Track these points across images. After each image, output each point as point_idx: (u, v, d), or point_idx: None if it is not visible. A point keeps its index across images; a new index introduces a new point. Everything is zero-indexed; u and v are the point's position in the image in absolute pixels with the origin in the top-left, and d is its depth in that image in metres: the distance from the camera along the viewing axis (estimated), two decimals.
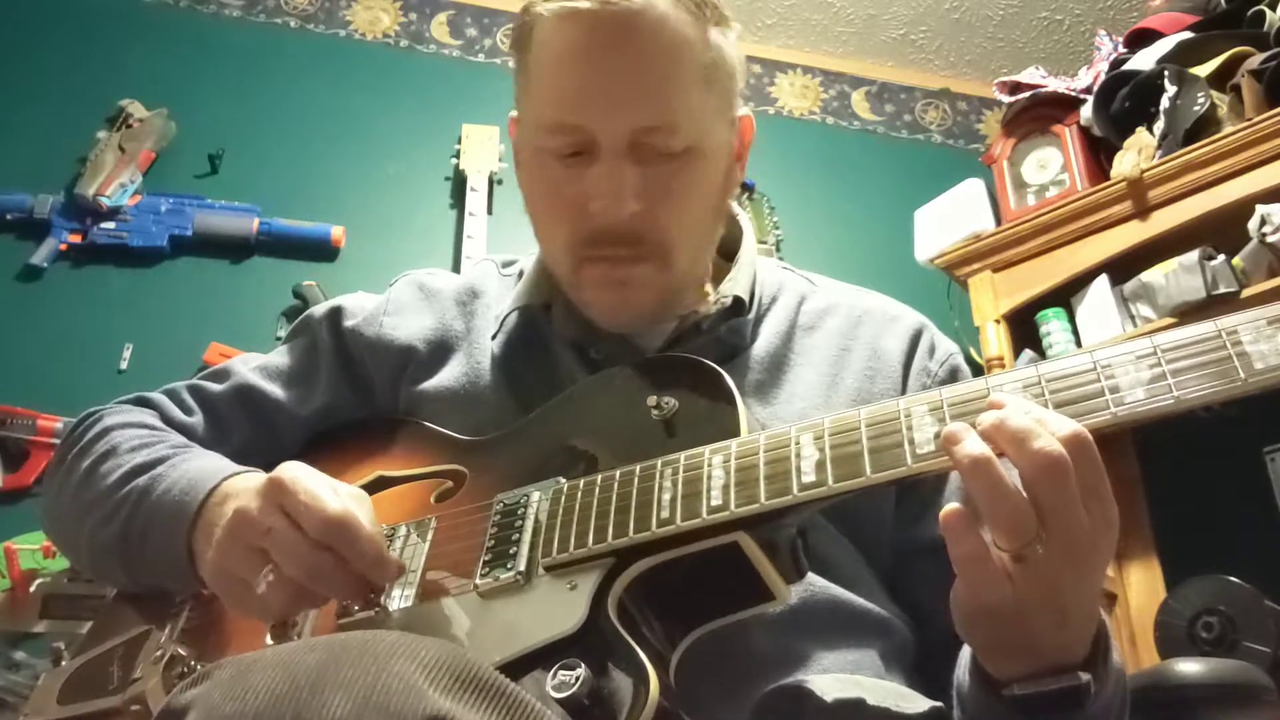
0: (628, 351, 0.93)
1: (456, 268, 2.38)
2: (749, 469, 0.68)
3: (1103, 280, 2.16)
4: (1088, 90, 2.29)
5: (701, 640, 0.72)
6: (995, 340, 2.21)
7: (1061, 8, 2.95)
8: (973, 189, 2.41)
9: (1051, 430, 0.59)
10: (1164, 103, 2.08)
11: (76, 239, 2.25)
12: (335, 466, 0.84)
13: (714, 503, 0.67)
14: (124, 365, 2.16)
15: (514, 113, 1.00)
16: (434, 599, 0.75)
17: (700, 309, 0.95)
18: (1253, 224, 1.93)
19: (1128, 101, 2.16)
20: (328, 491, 0.73)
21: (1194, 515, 2.20)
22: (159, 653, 0.83)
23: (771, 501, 0.66)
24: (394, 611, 0.75)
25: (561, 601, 0.68)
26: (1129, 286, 2.12)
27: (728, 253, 1.02)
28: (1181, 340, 0.59)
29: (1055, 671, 0.63)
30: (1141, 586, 2.17)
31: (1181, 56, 2.14)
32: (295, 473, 0.74)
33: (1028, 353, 2.20)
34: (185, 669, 0.80)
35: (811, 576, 0.79)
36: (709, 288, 0.98)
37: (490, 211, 2.50)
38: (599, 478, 0.74)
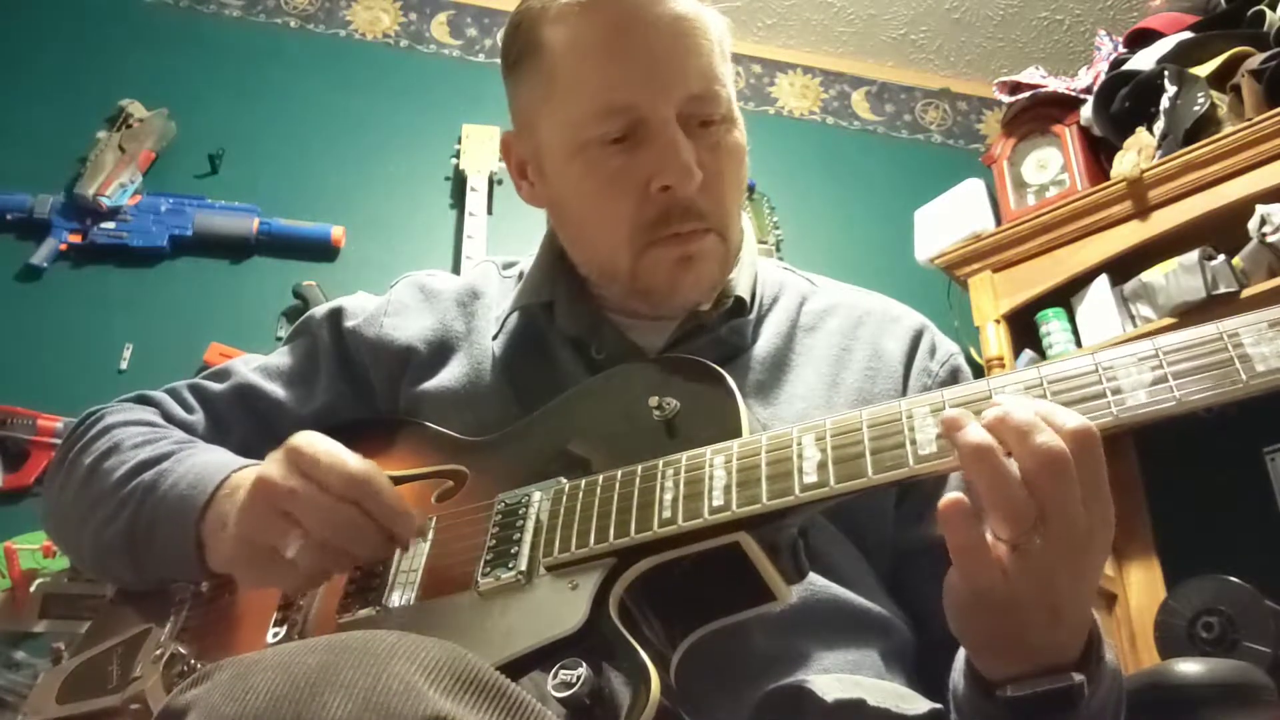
0: (629, 351, 0.93)
1: (456, 268, 2.38)
2: (751, 469, 0.68)
3: (1103, 280, 2.16)
4: (1088, 90, 2.30)
5: (702, 640, 0.72)
6: (995, 340, 2.22)
7: (1061, 8, 2.96)
8: (973, 189, 2.41)
9: (1058, 424, 0.59)
10: (1164, 103, 2.08)
11: (76, 239, 2.25)
12: None
13: (716, 503, 0.67)
14: (124, 365, 2.16)
15: (510, 130, 1.00)
16: (435, 598, 0.75)
17: (702, 308, 0.95)
18: (1253, 224, 1.93)
19: (1128, 101, 2.16)
20: (346, 451, 0.75)
21: (1194, 515, 2.21)
22: (158, 651, 0.83)
23: (773, 502, 0.66)
24: (394, 611, 0.75)
25: (563, 601, 0.68)
26: (1129, 286, 2.12)
27: None
28: (1183, 342, 0.59)
29: (1047, 672, 0.63)
30: (1141, 586, 2.17)
31: (1181, 56, 2.14)
32: (311, 438, 0.76)
33: (1028, 353, 2.20)
34: (185, 668, 0.80)
35: (812, 576, 0.79)
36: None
37: (490, 211, 2.50)
38: (600, 478, 0.74)
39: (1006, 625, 0.63)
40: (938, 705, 0.78)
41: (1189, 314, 1.96)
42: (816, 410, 0.89)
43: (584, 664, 0.61)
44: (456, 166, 2.54)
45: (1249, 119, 1.97)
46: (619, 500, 0.71)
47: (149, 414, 1.00)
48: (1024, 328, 2.24)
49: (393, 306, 1.04)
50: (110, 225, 2.27)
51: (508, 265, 1.10)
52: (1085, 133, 2.28)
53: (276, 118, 2.52)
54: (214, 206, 2.35)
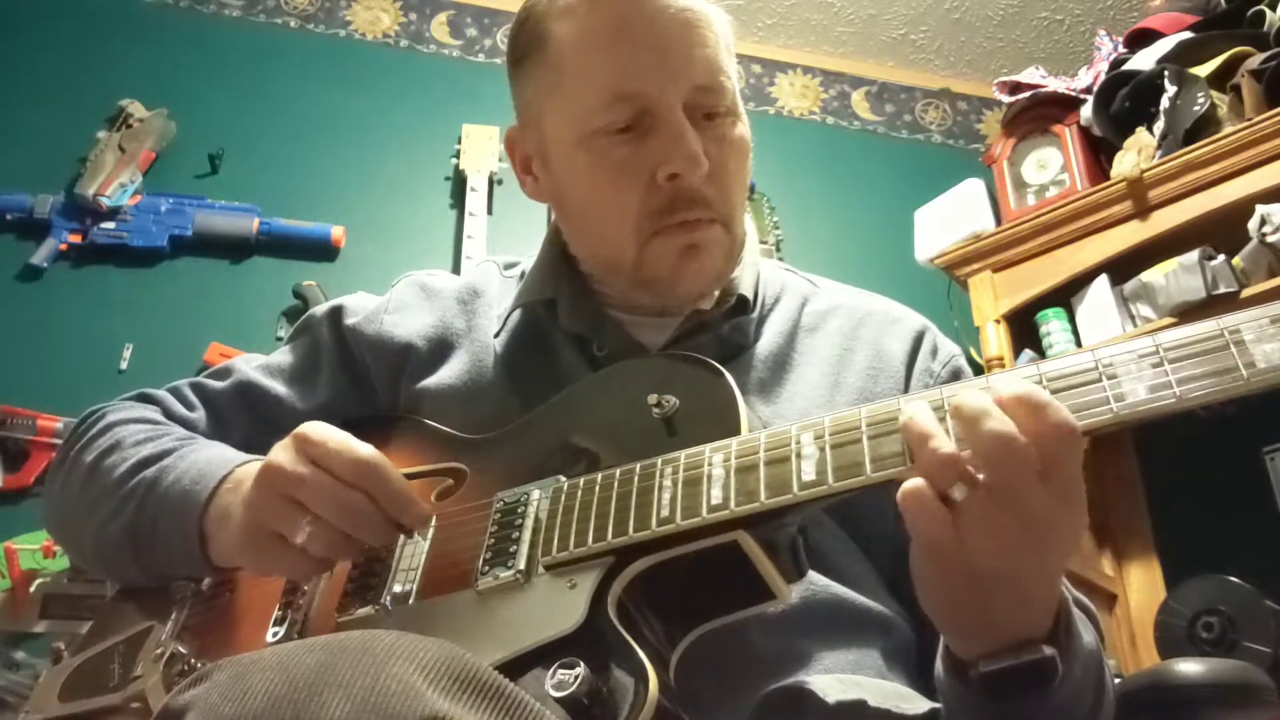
0: (631, 348, 0.94)
1: (456, 268, 2.39)
2: (749, 468, 0.68)
3: (1103, 280, 2.16)
4: (1088, 90, 2.29)
5: (702, 640, 0.72)
6: (995, 340, 2.22)
7: (1061, 8, 2.96)
8: (973, 189, 2.41)
9: (1041, 415, 0.58)
10: (1164, 103, 2.08)
11: (76, 239, 2.25)
12: None
13: (714, 501, 0.67)
14: (124, 365, 2.16)
15: (514, 126, 1.00)
16: (433, 597, 0.75)
17: (705, 306, 0.95)
18: (1253, 224, 1.93)
19: (1128, 101, 2.16)
20: (355, 440, 0.76)
21: (1194, 515, 2.21)
22: (159, 650, 0.83)
23: (771, 500, 0.65)
24: (393, 610, 0.75)
25: (561, 600, 0.68)
26: (1129, 286, 2.12)
27: None
28: (1183, 339, 0.58)
29: (1018, 646, 0.63)
30: (1141, 586, 2.17)
31: (1181, 56, 2.14)
32: (320, 427, 0.77)
33: (1028, 353, 2.20)
34: (185, 667, 0.80)
35: (812, 575, 0.79)
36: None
37: (490, 211, 2.50)
38: (599, 476, 0.74)
39: (970, 598, 0.62)
40: (939, 705, 0.78)
41: (1189, 314, 1.95)
42: (818, 410, 0.89)
43: (582, 663, 0.61)
44: (456, 166, 2.54)
45: (1249, 119, 1.97)
46: (617, 499, 0.71)
47: (150, 412, 1.01)
48: (1024, 328, 2.24)
49: (393, 304, 1.05)
50: (110, 225, 2.27)
51: (509, 265, 1.10)
52: (1085, 133, 2.28)
53: (276, 118, 2.52)
54: (214, 206, 2.35)
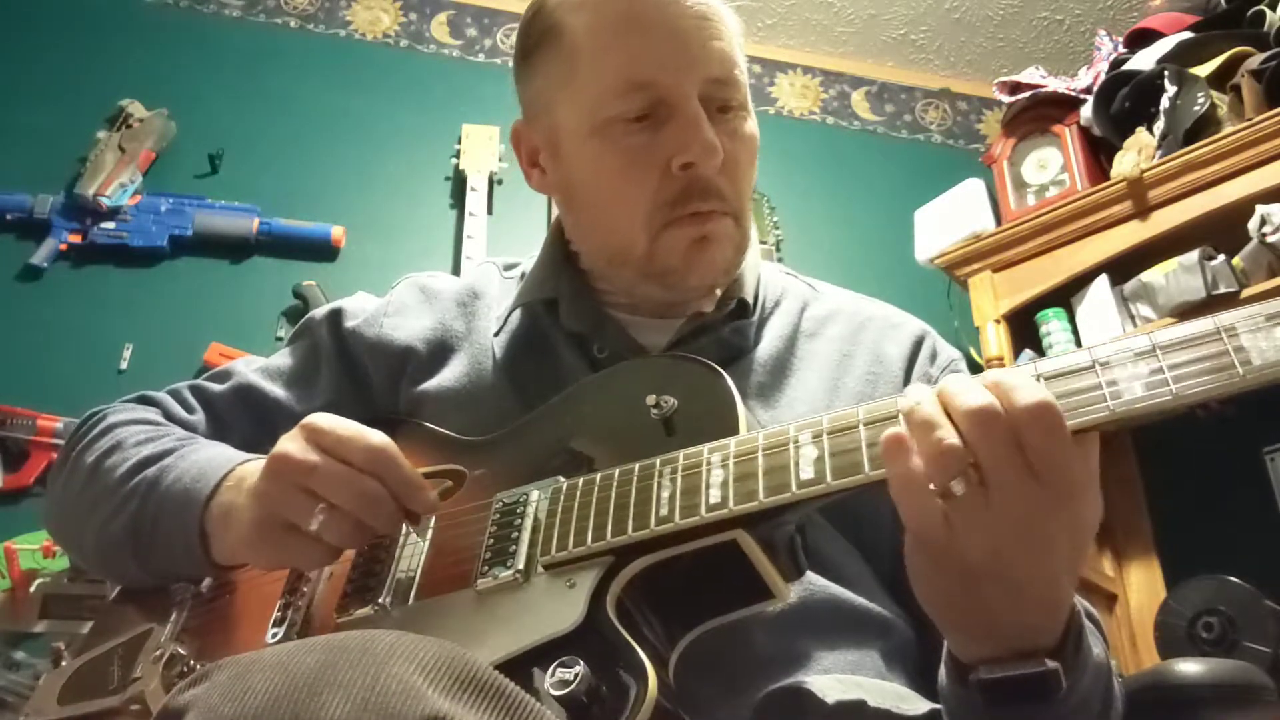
0: (632, 349, 0.94)
1: (456, 268, 2.39)
2: (748, 467, 0.68)
3: (1103, 280, 2.16)
4: (1088, 90, 2.29)
5: (701, 640, 0.72)
6: (995, 340, 2.22)
7: (1061, 8, 2.96)
8: (973, 189, 2.41)
9: (1011, 397, 0.58)
10: (1164, 103, 2.08)
11: (76, 239, 2.25)
12: None
13: (713, 500, 0.67)
14: (124, 365, 2.16)
15: (519, 120, 1.00)
16: (433, 597, 0.75)
17: (706, 308, 0.95)
18: (1253, 224, 1.93)
19: (1128, 101, 2.16)
20: (363, 427, 0.76)
21: (1194, 515, 2.21)
22: (158, 652, 0.83)
23: (770, 499, 0.65)
24: (393, 610, 0.75)
25: (560, 600, 0.68)
26: (1129, 286, 2.12)
27: None
28: (1180, 337, 0.58)
29: (1021, 655, 0.62)
30: (1141, 586, 2.17)
31: (1181, 56, 2.14)
32: (327, 416, 0.77)
33: (1028, 353, 2.20)
34: (185, 668, 0.80)
35: (812, 575, 0.79)
36: (715, 289, 0.98)
37: (490, 211, 2.50)
38: (598, 476, 0.74)
39: (965, 595, 0.62)
40: (939, 705, 0.78)
41: (1189, 314, 1.95)
42: (817, 414, 0.89)
43: (581, 662, 0.61)
44: (456, 166, 2.54)
45: (1249, 119, 1.97)
46: (616, 499, 0.71)
47: (150, 414, 1.01)
48: (1024, 328, 2.24)
49: (393, 307, 1.05)
50: (110, 225, 2.27)
51: (509, 266, 1.10)
52: (1085, 133, 2.28)
53: (276, 118, 2.52)
54: (214, 206, 2.35)
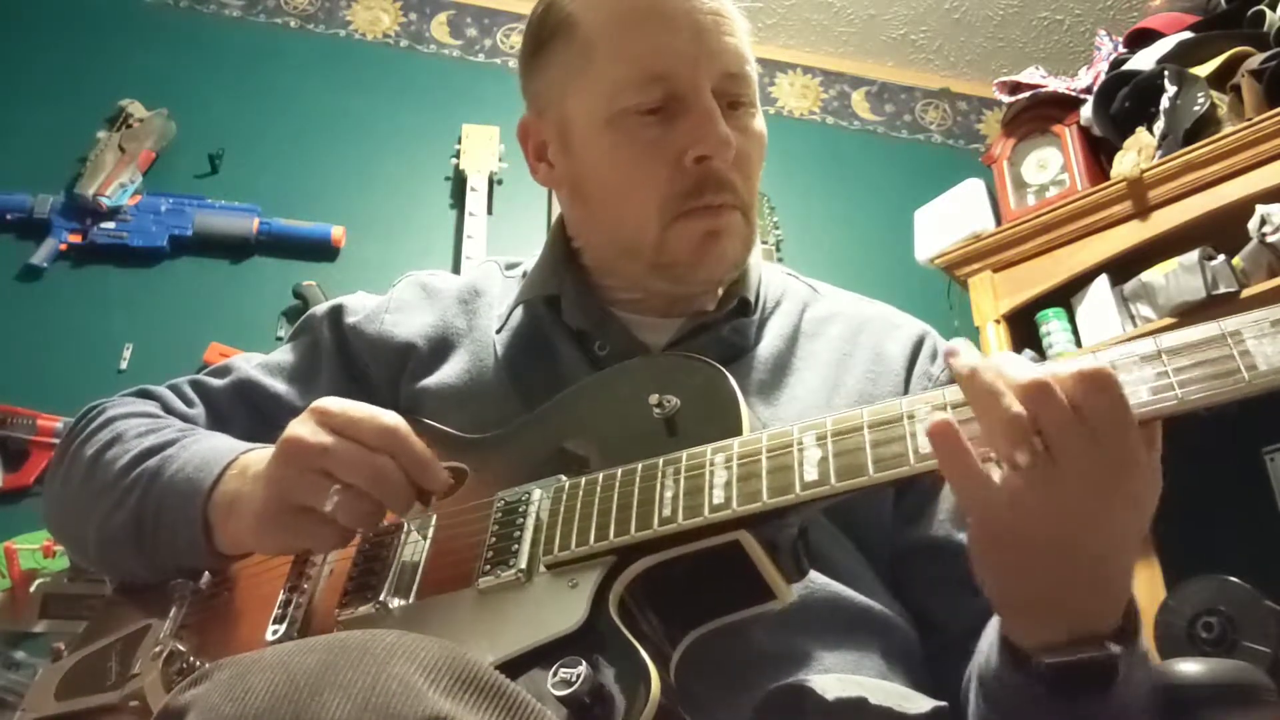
0: (633, 348, 0.94)
1: (456, 268, 2.39)
2: (751, 468, 0.68)
3: (1103, 280, 2.16)
4: (1088, 90, 2.29)
5: (703, 639, 0.72)
6: (995, 340, 2.21)
7: (1061, 8, 2.96)
8: (973, 189, 2.41)
9: (1062, 369, 0.59)
10: (1164, 103, 2.08)
11: (76, 239, 2.26)
12: None
13: (716, 501, 0.67)
14: (124, 365, 2.16)
15: (528, 114, 1.01)
16: (434, 596, 0.75)
17: (708, 307, 0.95)
18: (1253, 224, 1.93)
19: (1128, 101, 2.16)
20: (374, 408, 0.76)
21: (1194, 515, 2.20)
22: (157, 649, 0.83)
23: (774, 500, 0.65)
24: (394, 609, 0.75)
25: (562, 600, 0.68)
26: (1129, 286, 2.12)
27: None
28: (1185, 341, 0.59)
29: (1081, 640, 0.62)
30: (1141, 586, 2.17)
31: (1181, 56, 2.13)
32: (336, 399, 0.77)
33: (1028, 353, 2.19)
34: (184, 665, 0.80)
35: (813, 575, 0.79)
36: (718, 287, 0.98)
37: (490, 211, 2.50)
38: (600, 476, 0.74)
39: (1025, 570, 0.62)
40: (941, 704, 0.78)
41: (1189, 314, 1.95)
42: (817, 413, 0.89)
43: (584, 662, 0.61)
44: (456, 166, 2.54)
45: (1249, 119, 1.96)
46: (619, 498, 0.71)
47: (150, 407, 1.01)
48: (1024, 328, 2.24)
49: (394, 304, 1.05)
50: (110, 225, 2.28)
51: (510, 265, 1.10)
52: (1085, 133, 2.28)
53: (276, 118, 2.52)
54: (214, 206, 2.35)
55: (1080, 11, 2.96)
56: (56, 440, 1.99)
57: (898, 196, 2.71)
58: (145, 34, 2.53)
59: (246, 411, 1.02)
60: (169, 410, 1.01)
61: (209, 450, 0.88)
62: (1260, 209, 1.92)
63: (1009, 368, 0.60)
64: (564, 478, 0.77)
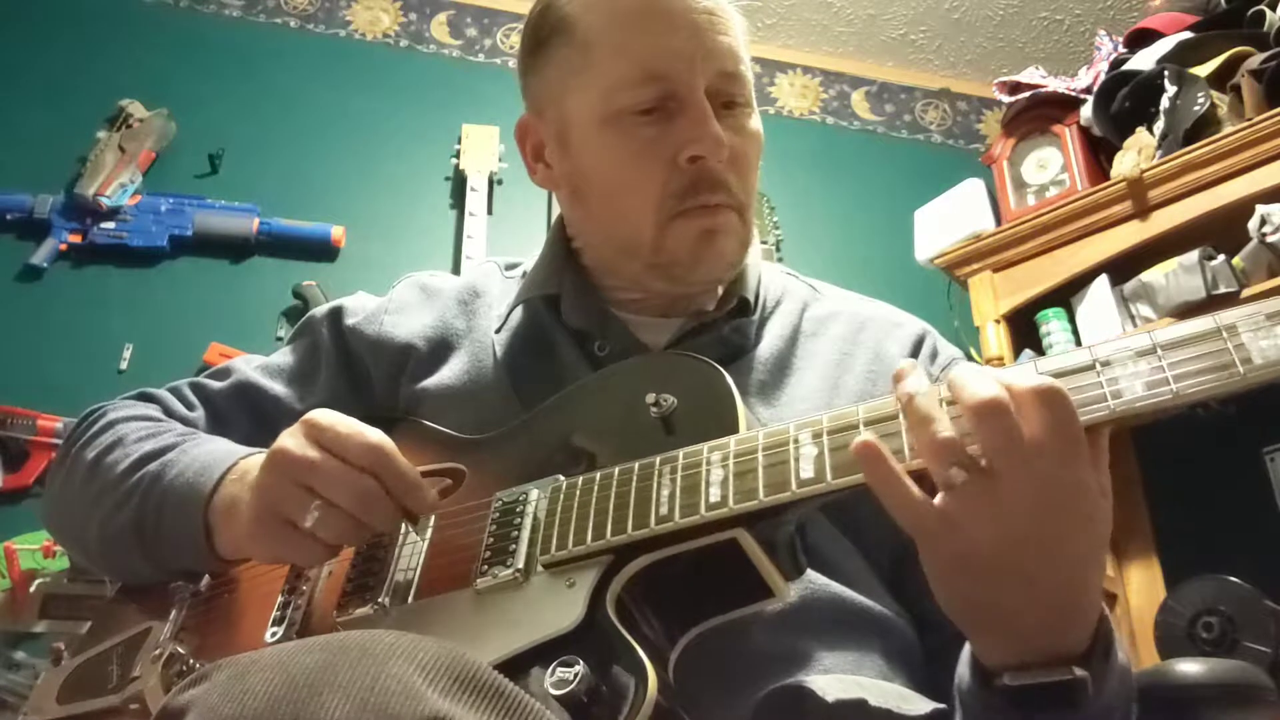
0: (633, 347, 0.94)
1: (456, 268, 2.39)
2: (748, 466, 0.68)
3: (1103, 280, 2.16)
4: (1088, 90, 2.29)
5: (701, 639, 0.72)
6: (995, 340, 2.21)
7: (1061, 8, 2.96)
8: (973, 189, 2.41)
9: (1013, 382, 0.58)
10: (1164, 103, 2.08)
11: (76, 239, 2.26)
12: None
13: (713, 499, 0.67)
14: (124, 365, 2.16)
15: (526, 114, 1.01)
16: (432, 597, 0.75)
17: (707, 307, 0.95)
18: (1253, 224, 1.93)
19: (1128, 101, 2.16)
20: (363, 425, 0.76)
21: (1194, 515, 2.20)
22: (158, 651, 0.83)
23: (770, 498, 0.65)
24: (392, 609, 0.75)
25: (560, 599, 0.68)
26: (1129, 286, 2.12)
27: None
28: (1180, 336, 0.58)
29: (1049, 662, 0.62)
30: (1141, 586, 2.17)
31: (1181, 56, 2.13)
32: (328, 413, 0.77)
33: (1028, 353, 2.20)
34: (184, 667, 0.80)
35: (812, 574, 0.79)
36: (717, 287, 0.98)
37: (490, 211, 2.50)
38: (597, 475, 0.74)
39: (982, 593, 0.61)
40: (940, 705, 0.78)
41: (1189, 314, 1.94)
42: (817, 413, 0.89)
43: (581, 662, 0.61)
44: (456, 166, 2.54)
45: (1249, 119, 1.96)
46: (616, 498, 0.71)
47: (151, 410, 1.01)
48: (1024, 328, 2.24)
49: (393, 305, 1.05)
50: (110, 225, 2.27)
51: (510, 266, 1.10)
52: (1085, 133, 2.28)
53: (276, 118, 2.52)
54: (214, 206, 2.35)
55: (1080, 11, 2.96)
56: (56, 440, 1.99)
57: (898, 196, 2.71)
58: (145, 34, 2.53)
59: (247, 414, 1.02)
60: (170, 413, 1.01)
61: (209, 454, 0.88)
62: (1260, 209, 1.92)
63: (963, 387, 0.59)
64: (561, 477, 0.77)
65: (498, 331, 0.99)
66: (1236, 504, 2.17)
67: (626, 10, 0.92)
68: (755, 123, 0.95)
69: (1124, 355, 0.60)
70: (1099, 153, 2.28)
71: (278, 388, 1.02)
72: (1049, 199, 2.27)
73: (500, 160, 2.53)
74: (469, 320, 1.02)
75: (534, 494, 0.76)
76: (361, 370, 1.02)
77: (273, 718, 0.49)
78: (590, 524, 0.71)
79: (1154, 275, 2.05)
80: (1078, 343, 2.17)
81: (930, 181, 2.56)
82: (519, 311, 1.00)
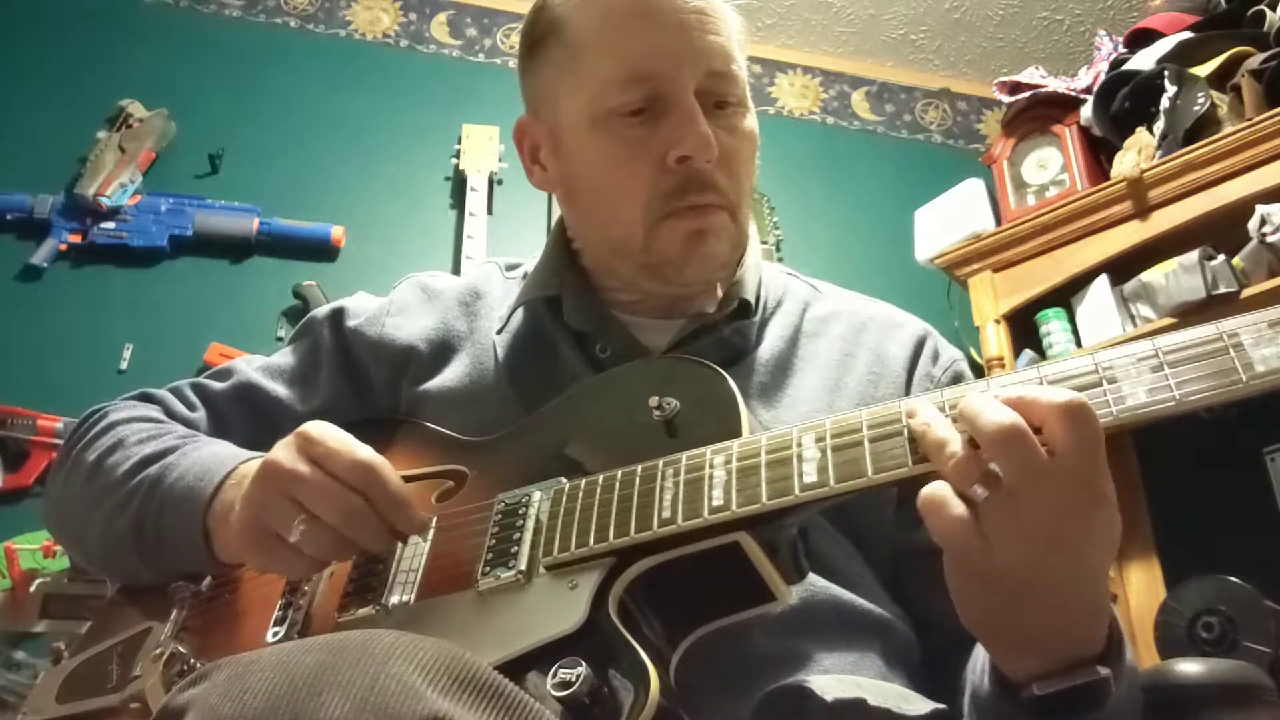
0: (634, 349, 0.94)
1: (456, 268, 2.39)
2: (750, 469, 0.68)
3: (1103, 280, 2.16)
4: (1088, 90, 2.29)
5: (702, 640, 0.72)
6: (995, 340, 2.22)
7: (1061, 8, 2.96)
8: (973, 189, 2.41)
9: (1041, 401, 0.59)
10: (1164, 103, 2.08)
11: (76, 239, 2.25)
12: None
13: (715, 502, 0.67)
14: (124, 365, 2.16)
15: (525, 115, 1.01)
16: (434, 598, 0.75)
17: (708, 308, 0.95)
18: (1253, 224, 1.93)
19: (1128, 101, 2.16)
20: (356, 441, 0.76)
21: (1194, 515, 2.20)
22: (158, 651, 0.83)
23: (773, 501, 0.65)
24: (394, 610, 0.75)
25: (562, 601, 0.68)
26: (1129, 286, 2.12)
27: None
28: (1183, 342, 0.59)
29: (1070, 667, 0.62)
30: (1141, 586, 2.17)
31: (1181, 56, 2.14)
32: (322, 426, 0.77)
33: (1028, 353, 2.20)
34: (184, 667, 0.80)
35: (812, 576, 0.79)
36: (717, 288, 0.98)
37: (490, 211, 2.50)
38: (600, 478, 0.74)
39: (1009, 609, 0.62)
40: (940, 706, 0.78)
41: (1189, 314, 1.95)
42: (819, 413, 0.89)
43: (583, 663, 0.61)
44: (456, 166, 2.54)
45: (1249, 119, 1.96)
46: (619, 500, 0.71)
47: (152, 411, 1.01)
48: (1024, 328, 2.24)
49: (395, 306, 1.05)
50: (110, 225, 2.27)
51: (511, 267, 1.10)
52: (1085, 133, 2.28)
53: (276, 118, 2.52)
54: (214, 206, 2.35)
55: (1080, 11, 2.96)
56: (56, 440, 1.99)
57: (898, 196, 2.71)
58: (145, 34, 2.53)
59: (247, 415, 1.02)
60: (170, 414, 1.01)
61: (210, 458, 0.88)
62: (1260, 209, 1.92)
63: (977, 417, 0.59)
64: (564, 479, 0.77)
65: (499, 333, 0.99)
66: (1236, 504, 2.17)
67: (615, 11, 0.91)
68: (749, 122, 0.95)
69: (1127, 361, 0.60)
70: (1099, 153, 2.28)
71: (279, 389, 1.02)
72: (1049, 199, 2.27)
73: (500, 160, 2.53)
74: (470, 322, 1.02)
75: (536, 496, 0.76)
76: (363, 372, 1.02)
77: (273, 717, 0.50)
78: (593, 526, 0.71)
79: (1154, 275, 2.05)
80: (1078, 343, 2.17)
81: (930, 181, 2.57)
82: (520, 313, 1.00)
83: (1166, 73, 2.08)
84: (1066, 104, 2.33)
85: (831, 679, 0.76)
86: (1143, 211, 2.09)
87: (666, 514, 0.68)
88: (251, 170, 2.43)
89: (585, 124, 0.92)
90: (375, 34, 2.74)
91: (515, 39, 2.77)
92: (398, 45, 2.75)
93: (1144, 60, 2.19)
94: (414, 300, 1.05)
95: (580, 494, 0.74)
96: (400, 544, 0.79)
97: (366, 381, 1.01)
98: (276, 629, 0.80)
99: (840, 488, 0.64)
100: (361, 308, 1.06)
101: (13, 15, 2.44)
